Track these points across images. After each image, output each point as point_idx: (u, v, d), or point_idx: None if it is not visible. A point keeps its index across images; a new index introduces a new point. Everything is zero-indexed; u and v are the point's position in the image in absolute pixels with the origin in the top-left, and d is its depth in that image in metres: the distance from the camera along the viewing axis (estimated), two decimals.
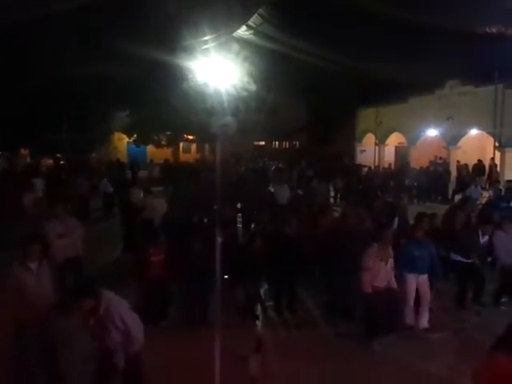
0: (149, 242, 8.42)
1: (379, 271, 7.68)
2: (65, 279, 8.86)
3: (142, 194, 12.86)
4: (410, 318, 8.28)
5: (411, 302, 8.28)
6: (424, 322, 8.29)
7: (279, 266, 8.72)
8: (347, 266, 8.31)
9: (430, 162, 25.88)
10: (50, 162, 28.38)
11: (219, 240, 9.14)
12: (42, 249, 6.39)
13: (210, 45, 19.33)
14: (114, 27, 19.95)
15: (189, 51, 20.61)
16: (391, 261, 7.84)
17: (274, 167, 27.20)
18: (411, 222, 10.27)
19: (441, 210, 13.82)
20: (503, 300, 9.60)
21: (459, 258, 9.22)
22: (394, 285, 7.89)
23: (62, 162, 27.42)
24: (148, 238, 8.59)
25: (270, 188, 16.68)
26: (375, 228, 9.20)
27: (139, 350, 5.39)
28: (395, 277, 8.00)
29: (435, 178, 23.26)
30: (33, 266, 6.24)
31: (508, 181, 18.83)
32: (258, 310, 9.05)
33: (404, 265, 8.14)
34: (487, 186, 21.65)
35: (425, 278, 8.29)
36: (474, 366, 4.51)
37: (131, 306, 5.59)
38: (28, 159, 30.62)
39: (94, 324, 5.17)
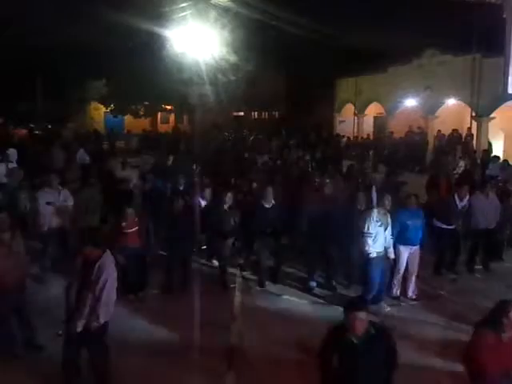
0: (122, 213, 8.36)
1: (377, 236, 7.73)
2: (47, 248, 8.92)
3: (120, 166, 12.76)
4: (397, 289, 8.40)
5: (401, 274, 8.37)
6: (411, 292, 8.43)
7: (259, 235, 8.75)
8: (327, 234, 8.39)
9: (406, 132, 25.99)
10: (24, 131, 27.76)
11: (198, 209, 9.20)
12: (14, 219, 6.34)
13: (187, 12, 18.90)
14: None
15: (166, 18, 20.16)
16: (389, 228, 7.87)
17: (252, 137, 27.00)
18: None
19: (418, 179, 13.97)
20: (477, 267, 9.83)
21: (439, 224, 9.34)
22: (392, 255, 7.96)
23: (36, 132, 26.82)
24: (123, 209, 8.51)
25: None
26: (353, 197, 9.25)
27: (101, 326, 5.32)
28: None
29: (412, 148, 23.44)
30: (5, 236, 6.18)
31: (484, 150, 19.09)
32: (238, 278, 9.10)
33: (397, 236, 8.10)
34: (463, 155, 21.90)
35: (416, 249, 8.34)
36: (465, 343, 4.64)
37: None
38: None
39: (83, 274, 5.19)
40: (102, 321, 5.26)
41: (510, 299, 4.65)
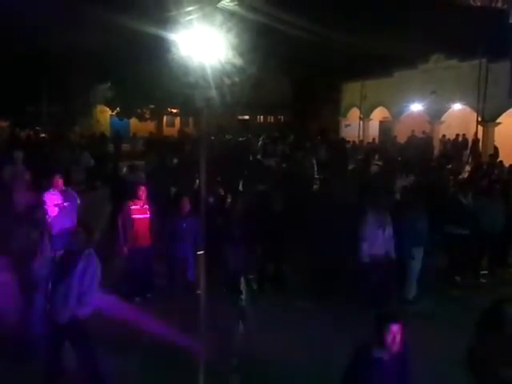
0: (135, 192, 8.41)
1: (377, 239, 7.70)
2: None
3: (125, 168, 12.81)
4: (409, 293, 8.31)
5: (415, 277, 8.27)
6: (412, 291, 8.35)
7: (263, 239, 8.72)
8: (330, 238, 8.36)
9: (409, 137, 25.93)
10: (30, 134, 27.88)
11: (203, 212, 9.14)
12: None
13: (194, 16, 18.95)
14: None
15: (172, 22, 20.22)
16: (390, 229, 7.85)
17: (259, 142, 27.03)
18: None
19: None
20: (482, 272, 9.76)
21: (450, 230, 9.26)
22: (393, 255, 7.90)
23: (42, 135, 26.95)
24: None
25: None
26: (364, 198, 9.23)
27: (87, 316, 5.36)
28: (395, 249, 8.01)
29: (418, 153, 23.34)
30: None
31: (490, 155, 19.05)
32: (242, 283, 9.08)
33: (406, 238, 8.07)
34: (469, 160, 21.85)
35: (420, 250, 8.29)
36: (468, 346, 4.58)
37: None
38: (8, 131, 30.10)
39: (70, 262, 5.25)
40: (88, 310, 5.31)
41: (505, 298, 4.59)
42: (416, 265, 8.27)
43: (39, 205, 8.42)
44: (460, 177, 14.60)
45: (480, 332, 4.57)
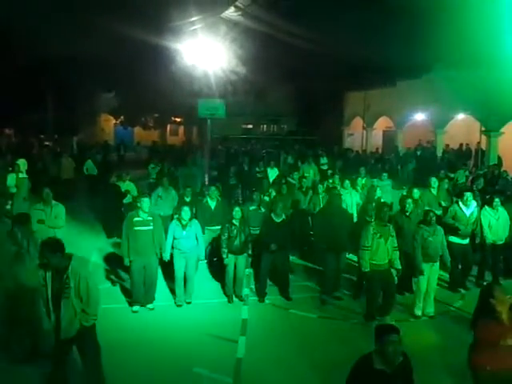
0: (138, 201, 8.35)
1: (378, 249, 7.67)
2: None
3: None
4: (418, 308, 8.20)
5: (422, 293, 8.15)
6: (430, 308, 8.21)
7: (268, 248, 8.70)
8: (334, 247, 8.36)
9: (416, 146, 25.93)
10: (35, 142, 27.99)
11: (204, 220, 9.15)
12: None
13: (198, 26, 19.07)
14: (102, 6, 19.68)
15: (176, 32, 20.35)
16: (392, 239, 7.81)
17: (264, 151, 27.10)
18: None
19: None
20: (485, 283, 9.70)
21: (452, 240, 9.20)
22: (398, 265, 7.85)
23: (46, 143, 27.10)
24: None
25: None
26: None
27: (92, 326, 5.39)
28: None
29: (422, 162, 23.33)
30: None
31: (494, 165, 18.99)
32: (245, 292, 9.06)
33: (417, 253, 7.96)
34: (473, 170, 21.78)
35: (437, 266, 8.20)
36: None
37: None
38: (13, 139, 30.26)
39: (60, 282, 5.17)
40: (91, 321, 5.31)
41: (494, 282, 4.67)
42: (424, 283, 8.15)
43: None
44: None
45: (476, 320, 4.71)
